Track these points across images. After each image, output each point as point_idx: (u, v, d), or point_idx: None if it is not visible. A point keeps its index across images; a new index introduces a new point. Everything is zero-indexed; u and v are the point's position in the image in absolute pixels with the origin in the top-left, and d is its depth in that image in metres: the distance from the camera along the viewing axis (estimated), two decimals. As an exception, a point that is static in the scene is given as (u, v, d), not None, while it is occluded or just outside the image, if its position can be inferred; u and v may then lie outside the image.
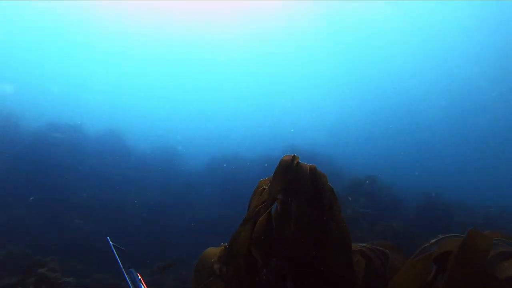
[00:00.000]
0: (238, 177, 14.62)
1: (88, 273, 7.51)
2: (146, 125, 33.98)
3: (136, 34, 37.88)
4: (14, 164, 12.04)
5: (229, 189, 13.77)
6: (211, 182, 15.26)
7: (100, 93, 41.71)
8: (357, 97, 40.24)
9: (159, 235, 10.43)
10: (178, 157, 18.85)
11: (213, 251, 2.12)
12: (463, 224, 10.22)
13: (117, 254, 1.80)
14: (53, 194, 11.11)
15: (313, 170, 1.47)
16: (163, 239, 10.22)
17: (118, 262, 1.76)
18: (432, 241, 1.36)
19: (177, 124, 36.88)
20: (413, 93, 37.20)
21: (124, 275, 1.65)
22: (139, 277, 1.65)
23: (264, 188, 1.51)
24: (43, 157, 13.06)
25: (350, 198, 9.82)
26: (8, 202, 10.04)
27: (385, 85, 38.82)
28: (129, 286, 1.59)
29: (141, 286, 1.62)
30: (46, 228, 9.53)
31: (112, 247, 1.85)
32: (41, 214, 10.11)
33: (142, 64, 42.68)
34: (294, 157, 1.49)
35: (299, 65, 40.60)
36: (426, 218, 10.89)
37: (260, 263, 1.30)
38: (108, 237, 1.97)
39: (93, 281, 7.14)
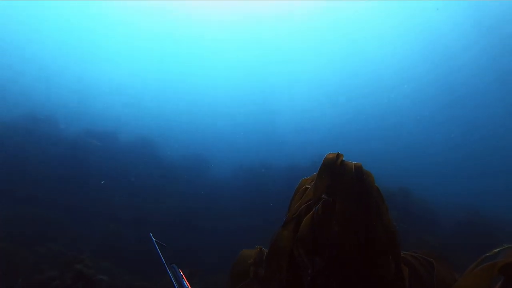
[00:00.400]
0: (265, 187, 14.50)
1: (119, 274, 7.73)
2: (175, 131, 34.73)
3: (166, 39, 38.84)
4: (53, 168, 12.82)
5: (256, 198, 13.68)
6: (238, 190, 15.26)
7: (132, 99, 43.19)
8: (393, 104, 38.26)
9: (186, 242, 10.54)
10: (206, 165, 19.13)
11: (249, 253, 2.08)
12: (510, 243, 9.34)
13: (160, 250, 1.82)
14: (88, 198, 11.66)
15: (358, 168, 1.40)
16: (189, 246, 10.31)
17: (161, 258, 1.78)
18: (496, 250, 1.23)
19: (205, 130, 37.30)
20: (454, 100, 34.65)
21: (167, 270, 1.66)
22: (181, 273, 1.66)
23: (307, 188, 1.47)
24: (81, 162, 13.80)
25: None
26: (48, 203, 10.67)
27: (424, 90, 36.41)
28: (172, 282, 1.60)
29: (184, 282, 1.62)
30: (81, 229, 9.98)
31: (155, 243, 1.88)
32: (77, 216, 10.62)
33: (172, 71, 43.97)
34: (338, 155, 1.43)
35: (326, 73, 39.88)
36: (466, 235, 10.10)
37: (305, 263, 1.25)
38: (150, 234, 2.01)
39: (123, 282, 7.33)
